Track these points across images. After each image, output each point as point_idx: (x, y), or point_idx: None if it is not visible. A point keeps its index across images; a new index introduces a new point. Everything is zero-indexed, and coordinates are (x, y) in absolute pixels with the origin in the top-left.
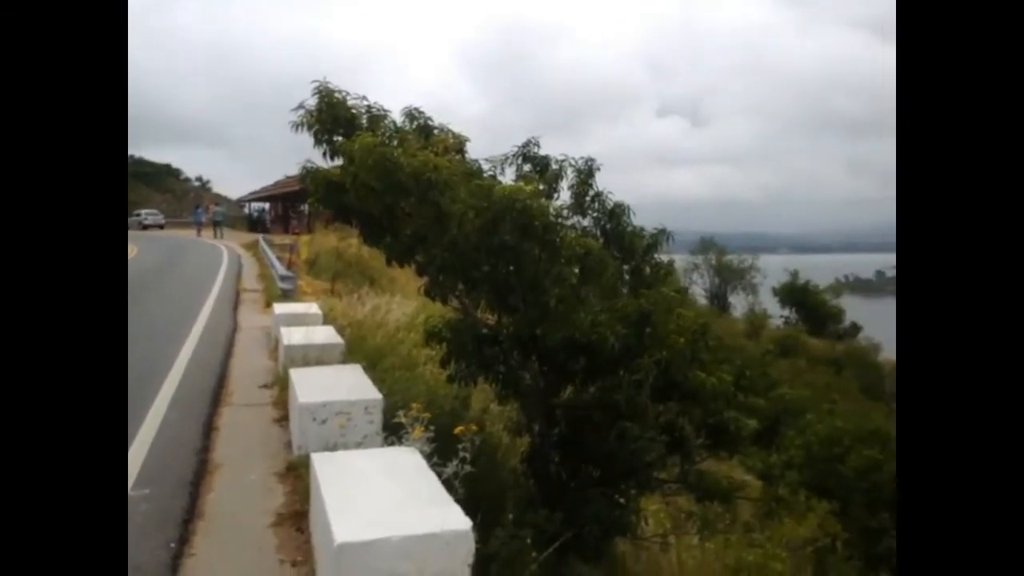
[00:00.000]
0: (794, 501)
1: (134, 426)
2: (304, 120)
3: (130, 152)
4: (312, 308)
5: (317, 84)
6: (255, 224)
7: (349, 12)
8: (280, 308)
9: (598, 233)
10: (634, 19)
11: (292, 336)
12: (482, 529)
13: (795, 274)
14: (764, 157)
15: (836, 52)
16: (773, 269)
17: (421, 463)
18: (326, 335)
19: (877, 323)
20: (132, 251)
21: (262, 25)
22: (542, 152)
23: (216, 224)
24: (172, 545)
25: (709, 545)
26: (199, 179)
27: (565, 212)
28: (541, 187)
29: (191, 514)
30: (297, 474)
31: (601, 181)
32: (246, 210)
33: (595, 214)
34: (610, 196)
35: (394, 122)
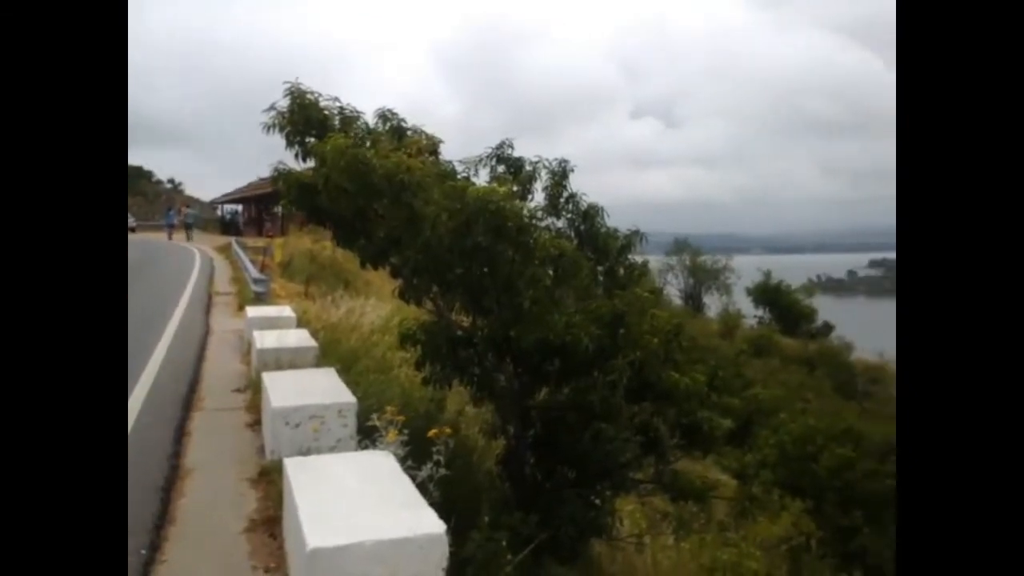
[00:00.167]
0: (768, 500)
1: None
2: (276, 121)
3: None
4: (285, 311)
5: (289, 85)
6: (228, 226)
7: (322, 11)
8: (253, 311)
9: (572, 234)
10: (609, 21)
11: (265, 339)
12: (458, 532)
13: (768, 274)
14: (737, 159)
15: (809, 55)
16: (747, 269)
17: (395, 467)
18: (299, 338)
19: (849, 323)
20: None
21: (234, 25)
22: (516, 154)
23: (187, 227)
24: (143, 551)
25: (684, 545)
26: (171, 181)
27: (539, 213)
28: (515, 189)
29: (162, 520)
30: (270, 479)
31: (575, 182)
32: (219, 212)
33: (569, 215)
34: (584, 197)
35: (366, 123)
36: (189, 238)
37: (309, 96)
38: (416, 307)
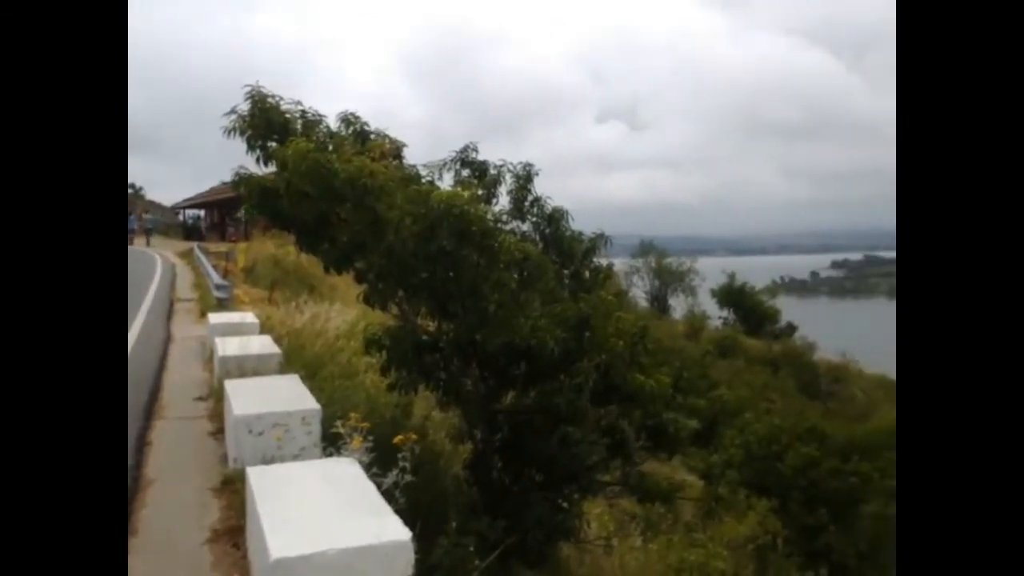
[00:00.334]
0: (734, 500)
1: None
2: (236, 125)
3: None
4: (248, 317)
5: (250, 89)
6: (190, 232)
7: (286, 14)
8: (215, 318)
9: (537, 238)
10: (574, 25)
11: (227, 346)
12: (425, 538)
13: (732, 276)
14: (701, 161)
15: (769, 58)
16: (711, 271)
17: (360, 474)
18: (263, 345)
19: (812, 323)
20: None
21: (196, 28)
22: (481, 157)
23: (147, 232)
24: None
25: (652, 546)
26: (131, 186)
27: (504, 217)
28: (480, 192)
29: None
30: (233, 488)
31: (541, 186)
32: (181, 217)
33: (534, 219)
34: (549, 201)
35: (328, 127)
36: (148, 243)
37: (270, 100)
38: (381, 312)
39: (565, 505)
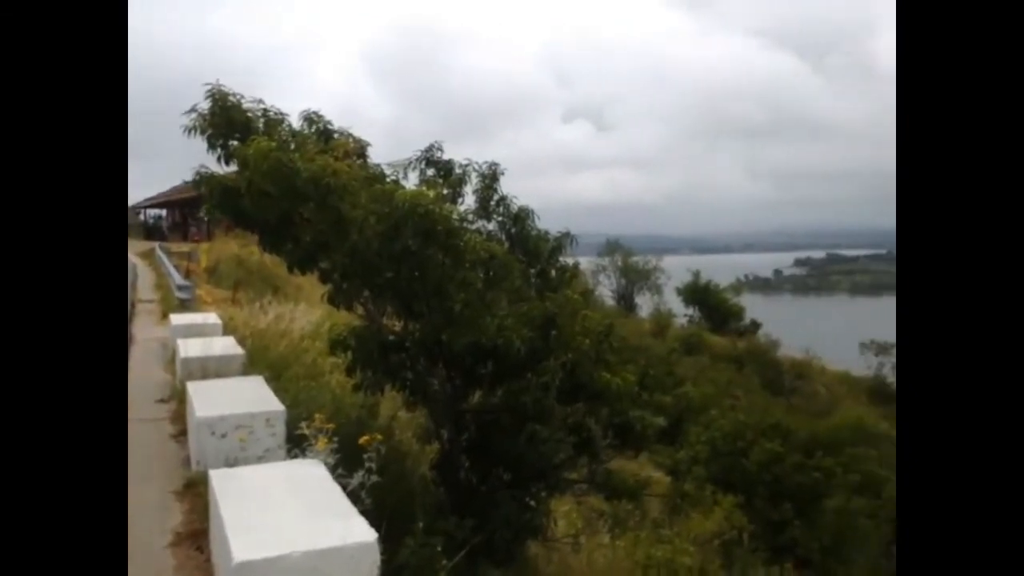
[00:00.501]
0: (700, 496)
1: None
2: (197, 124)
3: None
4: (211, 318)
5: (210, 87)
6: (152, 231)
7: (249, 12)
8: (177, 319)
9: (503, 237)
10: (539, 25)
11: (189, 348)
12: (391, 539)
13: (697, 274)
14: (666, 161)
15: (734, 59)
16: (676, 270)
17: (325, 475)
18: (226, 346)
19: (776, 320)
20: None
21: (159, 25)
22: (447, 156)
23: None
24: None
25: (619, 543)
26: None
27: (470, 217)
28: (445, 192)
29: None
30: (196, 491)
31: (509, 186)
32: (142, 217)
33: (500, 218)
34: (514, 200)
35: (291, 126)
36: None
37: (231, 98)
38: (347, 312)
39: (533, 503)
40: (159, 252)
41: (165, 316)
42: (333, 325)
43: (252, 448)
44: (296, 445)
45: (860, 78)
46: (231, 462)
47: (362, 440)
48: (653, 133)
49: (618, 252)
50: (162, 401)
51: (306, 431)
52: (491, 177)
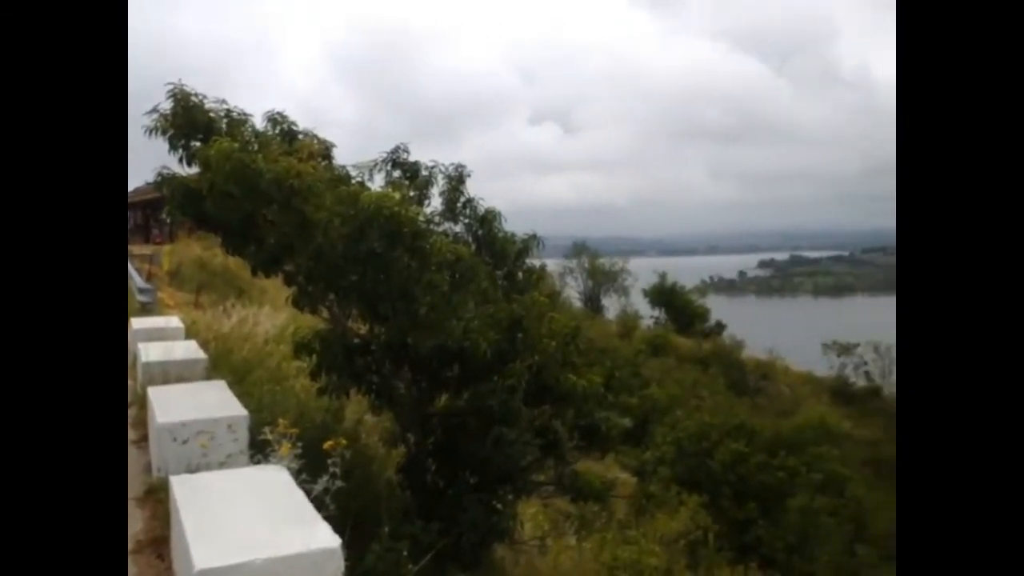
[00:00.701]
0: (666, 496)
1: None
2: (158, 125)
3: None
4: (173, 322)
5: (172, 87)
6: None
7: (213, 11)
8: (138, 323)
9: (470, 239)
10: (505, 26)
11: (151, 352)
12: (357, 544)
13: (663, 276)
14: (633, 163)
15: (698, 62)
16: (643, 271)
17: (288, 481)
18: (188, 350)
19: (740, 321)
20: None
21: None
22: (417, 158)
23: None
24: None
25: (586, 544)
26: None
27: (436, 219)
28: (411, 194)
29: None
30: (157, 498)
31: (477, 188)
32: None
33: (466, 220)
34: (481, 202)
35: (254, 126)
36: None
37: (194, 98)
38: (311, 315)
39: (499, 506)
40: None
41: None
42: (298, 328)
43: (214, 454)
44: (259, 451)
45: (822, 82)
46: (193, 468)
47: (326, 445)
48: (620, 135)
49: (585, 254)
50: None
51: (269, 436)
52: (457, 179)
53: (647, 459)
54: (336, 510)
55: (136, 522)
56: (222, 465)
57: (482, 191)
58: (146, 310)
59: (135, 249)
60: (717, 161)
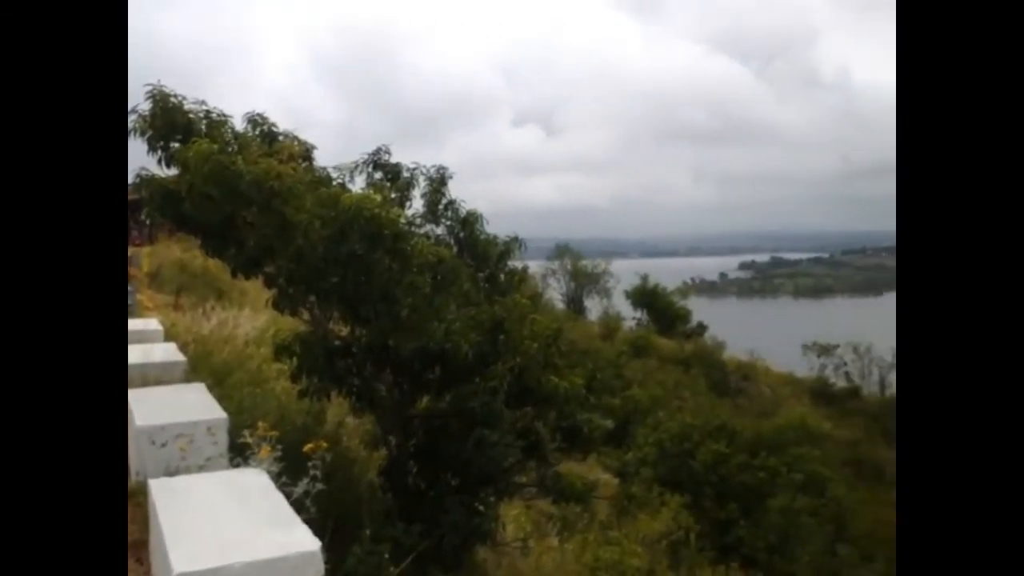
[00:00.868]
0: (648, 497)
1: None
2: (137, 126)
3: None
4: (152, 324)
5: (151, 88)
6: None
7: (194, 12)
8: None
9: (452, 241)
10: (489, 29)
11: (129, 354)
12: (338, 547)
13: (645, 278)
14: (614, 165)
15: (680, 65)
16: (625, 273)
17: (268, 484)
18: (167, 352)
19: (722, 322)
20: None
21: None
22: (402, 160)
23: None
24: None
25: (568, 546)
26: None
27: (418, 221)
28: (393, 196)
29: None
30: (136, 501)
31: (460, 189)
32: None
33: (448, 222)
34: (463, 204)
35: (234, 128)
36: None
37: (173, 99)
38: (292, 317)
39: (481, 508)
40: None
41: None
42: (278, 330)
43: (193, 457)
44: (239, 454)
45: (802, 85)
46: (172, 472)
47: (307, 448)
48: (602, 137)
49: (567, 256)
50: None
51: (249, 439)
52: (439, 181)
53: (629, 460)
54: (317, 513)
55: None
56: (201, 468)
57: (465, 193)
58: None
59: None
60: (699, 163)
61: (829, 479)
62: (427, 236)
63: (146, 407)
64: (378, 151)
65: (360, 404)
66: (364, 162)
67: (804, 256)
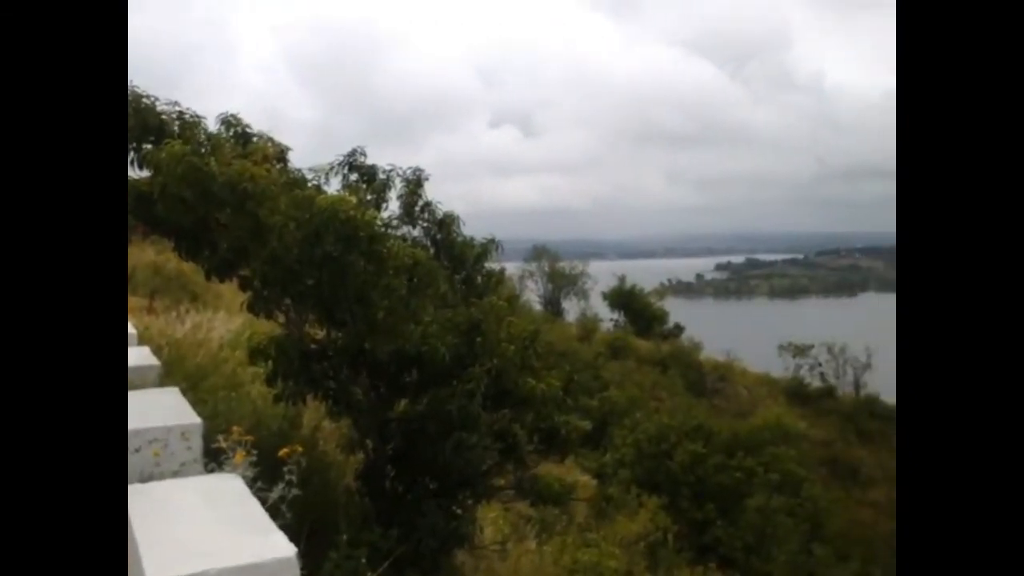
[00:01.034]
0: (626, 498)
1: None
2: None
3: None
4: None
5: None
6: None
7: (168, 11)
8: None
9: (428, 243)
10: (467, 30)
11: None
12: (315, 553)
13: (623, 279)
14: (591, 167)
15: (656, 67)
16: (603, 274)
17: (243, 489)
18: (140, 356)
19: (698, 323)
20: None
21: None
22: (381, 161)
23: None
24: None
25: (546, 548)
26: None
27: (394, 223)
28: (369, 197)
29: None
30: None
31: (438, 190)
32: None
33: (425, 224)
34: (440, 206)
35: (206, 129)
36: None
37: (145, 100)
38: (267, 320)
39: (459, 511)
40: None
41: None
42: (253, 334)
43: (167, 463)
44: (214, 459)
45: (777, 88)
46: (145, 477)
47: (282, 452)
48: (579, 139)
49: (545, 257)
50: None
51: (223, 444)
52: (415, 182)
53: (607, 461)
54: (292, 518)
55: None
56: (175, 474)
57: (443, 194)
58: None
59: None
60: (675, 165)
61: (805, 479)
62: (403, 238)
63: None
64: (354, 152)
65: (337, 408)
66: (340, 164)
67: (779, 257)
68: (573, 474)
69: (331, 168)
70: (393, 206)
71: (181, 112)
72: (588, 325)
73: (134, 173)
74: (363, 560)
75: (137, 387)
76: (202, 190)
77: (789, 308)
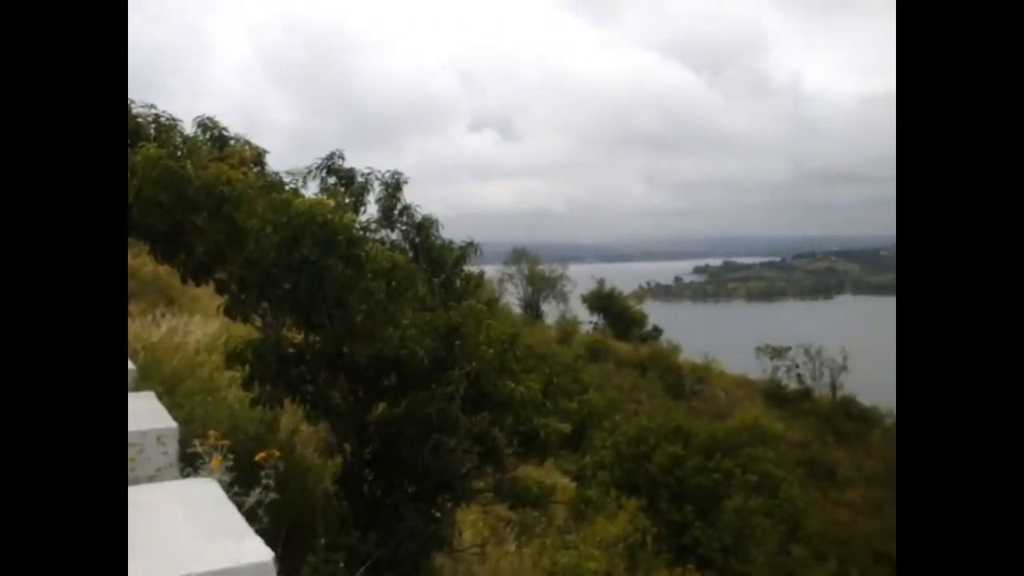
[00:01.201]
0: (605, 500)
1: None
2: None
3: None
4: None
5: None
6: None
7: (143, 8)
8: None
9: (407, 247)
10: (446, 33)
11: None
12: (293, 557)
13: (601, 282)
14: (570, 171)
15: (634, 72)
16: (582, 278)
17: (220, 494)
18: None
19: (677, 326)
20: None
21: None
22: (360, 165)
23: None
24: None
25: (525, 551)
26: None
27: (372, 226)
28: (347, 201)
29: None
30: None
31: (417, 194)
32: None
33: (403, 227)
34: (418, 209)
35: (182, 132)
36: None
37: None
38: (244, 324)
39: (438, 515)
40: None
41: None
42: (230, 338)
43: (143, 467)
44: (190, 463)
45: (754, 92)
46: None
47: (259, 456)
48: (558, 143)
49: (525, 260)
50: None
51: (200, 449)
52: (394, 186)
53: (586, 464)
54: (270, 523)
55: None
56: (151, 479)
57: (422, 197)
58: None
59: None
60: (653, 169)
61: (783, 480)
62: (382, 242)
63: None
64: (332, 156)
65: (314, 412)
66: (317, 167)
67: (756, 260)
68: (552, 477)
69: (309, 171)
70: (372, 210)
71: (157, 115)
72: (567, 328)
73: None
74: (341, 564)
75: None
76: (178, 194)
77: (766, 310)
